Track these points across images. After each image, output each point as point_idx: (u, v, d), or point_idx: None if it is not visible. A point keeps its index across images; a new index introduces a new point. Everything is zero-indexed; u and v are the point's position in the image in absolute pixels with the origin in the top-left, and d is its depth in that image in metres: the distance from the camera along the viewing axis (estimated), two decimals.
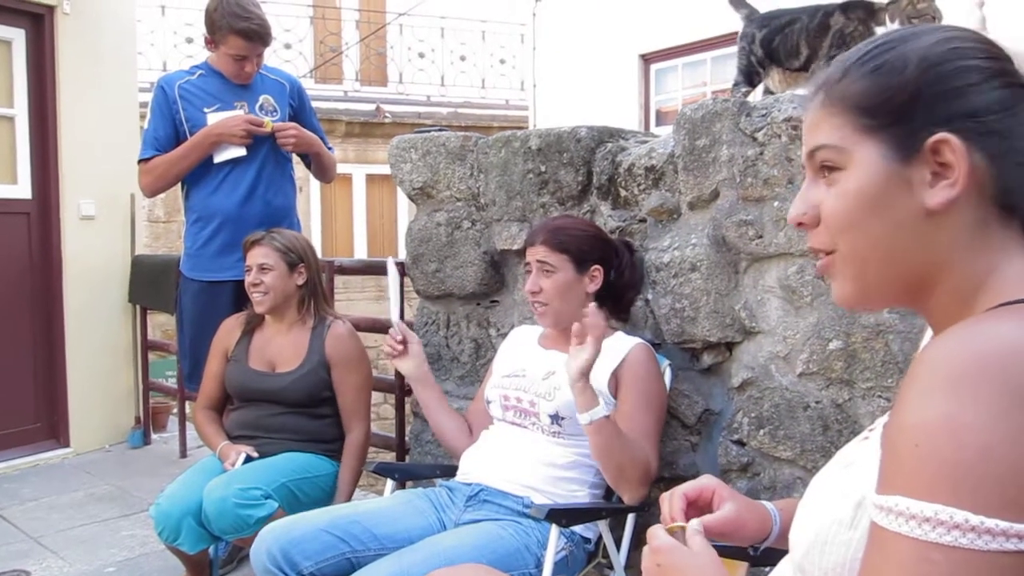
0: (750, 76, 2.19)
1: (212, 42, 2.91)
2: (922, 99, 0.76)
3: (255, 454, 2.43)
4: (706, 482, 1.12)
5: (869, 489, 0.69)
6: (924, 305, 0.81)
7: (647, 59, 7.45)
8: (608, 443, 1.81)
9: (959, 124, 0.75)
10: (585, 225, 2.14)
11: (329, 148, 3.18)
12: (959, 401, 0.63)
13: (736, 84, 2.21)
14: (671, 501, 1.08)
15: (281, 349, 2.57)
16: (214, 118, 2.88)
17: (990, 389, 0.63)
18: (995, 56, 0.78)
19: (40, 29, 4.04)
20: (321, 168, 3.17)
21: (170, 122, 2.90)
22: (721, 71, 6.87)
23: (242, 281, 2.63)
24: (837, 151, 0.80)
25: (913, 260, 0.78)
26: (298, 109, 3.11)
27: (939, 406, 0.64)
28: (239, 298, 2.82)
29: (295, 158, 3.13)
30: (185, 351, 3.09)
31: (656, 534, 0.97)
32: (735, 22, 2.30)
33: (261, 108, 2.97)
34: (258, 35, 2.87)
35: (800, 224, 0.84)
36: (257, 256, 2.54)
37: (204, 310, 2.95)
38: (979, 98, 0.75)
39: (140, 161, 2.93)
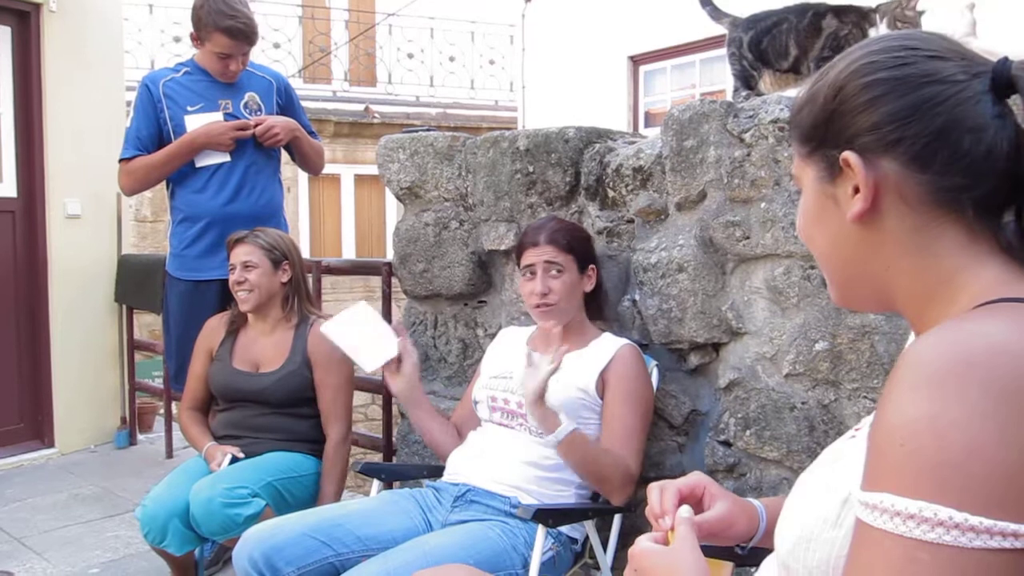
0: (747, 80, 2.19)
1: (198, 39, 2.88)
2: (832, 122, 0.81)
3: (241, 455, 2.41)
4: (697, 479, 1.12)
5: (855, 486, 0.69)
6: (896, 308, 0.84)
7: (636, 61, 7.47)
8: (582, 458, 1.85)
9: (861, 139, 0.79)
10: (578, 227, 2.19)
11: (317, 139, 3.14)
12: (944, 399, 0.63)
13: (736, 90, 2.21)
14: (664, 495, 1.07)
15: (264, 349, 2.56)
16: (193, 120, 2.84)
17: (976, 387, 0.63)
18: (909, 63, 0.78)
19: (26, 27, 4.01)
20: (305, 157, 3.10)
21: (153, 121, 2.86)
22: (709, 73, 6.90)
23: (228, 281, 2.61)
24: (796, 177, 0.89)
25: (860, 268, 0.83)
26: (286, 107, 3.08)
27: (924, 404, 0.64)
28: (225, 298, 2.79)
29: (284, 157, 3.11)
30: (171, 351, 3.07)
31: (636, 542, 0.97)
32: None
33: (246, 106, 2.94)
34: (243, 34, 2.83)
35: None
36: (241, 254, 2.53)
37: (190, 310, 2.93)
38: (882, 109, 0.77)
39: (121, 160, 2.90)
